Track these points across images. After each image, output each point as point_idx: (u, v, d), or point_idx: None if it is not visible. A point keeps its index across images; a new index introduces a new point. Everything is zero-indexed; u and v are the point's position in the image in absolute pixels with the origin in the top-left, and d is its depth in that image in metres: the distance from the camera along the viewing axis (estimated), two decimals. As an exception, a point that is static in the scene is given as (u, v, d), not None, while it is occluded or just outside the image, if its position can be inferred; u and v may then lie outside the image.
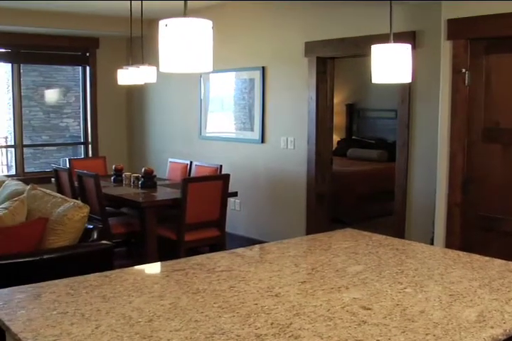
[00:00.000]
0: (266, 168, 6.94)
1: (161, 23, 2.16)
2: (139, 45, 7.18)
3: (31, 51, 8.80)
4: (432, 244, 4.52)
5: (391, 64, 3.09)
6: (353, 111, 11.55)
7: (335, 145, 10.34)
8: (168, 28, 2.14)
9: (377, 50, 3.13)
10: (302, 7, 6.35)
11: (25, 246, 3.96)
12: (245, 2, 7.00)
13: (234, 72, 7.32)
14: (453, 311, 2.08)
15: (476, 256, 2.83)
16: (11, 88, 8.90)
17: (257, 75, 6.96)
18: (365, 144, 10.68)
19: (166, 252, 5.70)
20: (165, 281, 2.49)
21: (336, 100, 7.04)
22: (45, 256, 3.88)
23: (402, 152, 5.51)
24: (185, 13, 2.18)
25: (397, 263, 2.70)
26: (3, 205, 4.34)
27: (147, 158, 9.10)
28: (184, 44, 2.13)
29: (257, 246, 3.17)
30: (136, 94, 9.24)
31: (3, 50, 8.63)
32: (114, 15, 8.03)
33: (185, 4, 2.23)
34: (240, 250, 3.01)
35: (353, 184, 8.34)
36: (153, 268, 2.87)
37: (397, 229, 5.49)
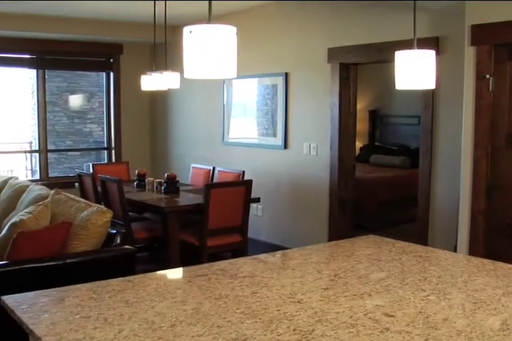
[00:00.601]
0: (288, 173, 6.93)
1: (186, 29, 2.17)
2: (163, 51, 7.22)
3: (56, 57, 8.88)
4: (455, 251, 4.50)
5: (415, 70, 3.08)
6: (375, 117, 11.52)
7: (357, 151, 10.32)
8: (193, 35, 2.15)
9: (401, 56, 3.12)
10: (325, 13, 6.35)
11: (48, 250, 3.98)
12: (269, 8, 7.01)
13: (257, 78, 7.34)
14: (476, 319, 2.06)
15: (500, 264, 2.80)
16: (35, 93, 8.98)
17: (279, 81, 6.96)
18: (387, 150, 10.65)
19: (188, 257, 5.71)
20: (187, 286, 2.49)
21: (358, 106, 7.03)
22: (68, 261, 3.90)
23: (426, 158, 5.49)
24: (209, 19, 2.19)
25: (421, 271, 2.69)
26: (27, 209, 4.37)
27: (170, 164, 9.13)
28: (208, 50, 2.13)
29: (279, 252, 3.17)
30: (159, 100, 9.28)
31: (28, 56, 8.72)
32: (137, 22, 8.08)
33: (210, 11, 2.24)
34: (262, 256, 3.01)
35: (376, 190, 8.31)
36: (175, 274, 2.88)
37: (420, 236, 5.46)
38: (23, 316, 2.11)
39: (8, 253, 3.89)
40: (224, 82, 7.82)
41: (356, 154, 8.19)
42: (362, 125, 11.01)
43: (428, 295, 2.32)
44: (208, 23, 2.16)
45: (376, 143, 11.40)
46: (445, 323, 2.02)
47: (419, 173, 5.61)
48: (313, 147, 6.57)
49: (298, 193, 6.84)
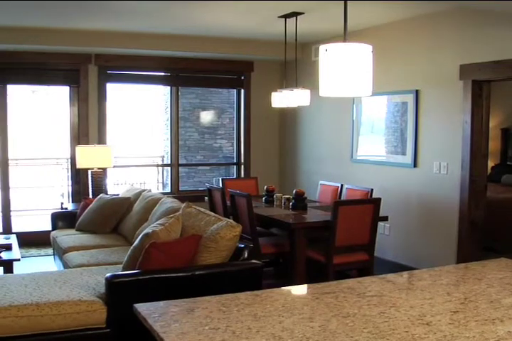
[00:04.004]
0: (417, 192, 6.81)
1: (321, 48, 2.19)
2: (293, 68, 7.30)
3: (189, 74, 9.14)
4: None
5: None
6: (508, 135, 11.15)
7: (489, 170, 10.02)
8: (329, 53, 2.17)
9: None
10: (457, 28, 6.22)
11: (178, 261, 4.09)
12: (400, 24, 6.96)
13: (386, 96, 7.27)
14: None
15: None
16: (169, 109, 9.28)
17: (410, 99, 6.87)
18: (520, 170, 10.27)
19: (313, 274, 5.71)
20: (315, 303, 2.49)
21: (490, 124, 6.83)
22: (197, 272, 4.00)
23: None
24: (345, 38, 2.21)
25: (557, 297, 2.58)
26: (159, 221, 4.51)
27: (298, 180, 9.18)
28: (344, 69, 2.14)
29: (407, 272, 3.13)
30: (288, 117, 9.36)
31: (163, 74, 9.03)
32: (268, 40, 8.21)
33: (345, 30, 2.25)
34: (390, 275, 2.97)
35: (507, 211, 8.03)
36: (302, 290, 2.89)
37: (556, 261, 5.22)
38: (154, 324, 2.18)
39: (140, 262, 4.03)
40: (353, 99, 7.81)
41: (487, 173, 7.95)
42: (494, 144, 10.68)
43: None
44: (343, 41, 2.17)
45: (508, 163, 11.02)
46: None
47: (555, 195, 5.38)
48: (443, 166, 6.43)
49: (426, 213, 6.71)
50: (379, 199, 5.79)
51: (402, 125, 7.04)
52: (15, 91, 9.07)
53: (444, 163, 6.42)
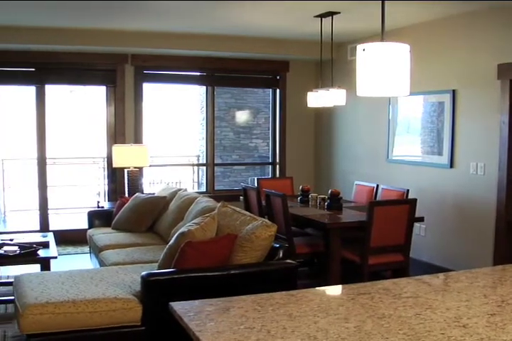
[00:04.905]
0: (453, 193, 6.75)
1: (359, 47, 2.18)
2: (328, 68, 7.27)
3: (225, 74, 9.16)
4: None
5: None
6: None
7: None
8: (366, 53, 2.16)
9: None
10: (495, 28, 6.14)
11: (214, 260, 4.11)
12: (436, 23, 6.90)
13: (422, 96, 7.21)
14: None
15: None
16: (204, 109, 9.32)
17: (446, 98, 6.80)
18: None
19: (348, 274, 5.69)
20: (350, 304, 2.48)
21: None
22: (232, 272, 4.02)
23: None
24: (382, 38, 2.20)
25: None
26: (195, 220, 4.53)
27: (333, 180, 9.14)
28: (382, 68, 2.13)
29: (443, 273, 3.10)
30: (324, 117, 9.33)
31: (199, 74, 9.06)
32: (304, 39, 8.20)
33: (383, 30, 2.25)
34: (426, 277, 2.95)
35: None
36: (338, 290, 2.88)
37: None
38: (190, 323, 2.19)
39: (176, 261, 4.05)
40: (389, 99, 7.76)
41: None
42: (533, 144, 10.54)
43: None
44: (381, 41, 2.16)
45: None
46: None
47: None
48: (480, 166, 6.36)
49: (462, 213, 6.64)
50: (415, 200, 5.75)
51: (438, 125, 6.98)
52: (53, 91, 9.17)
53: (481, 164, 6.35)
